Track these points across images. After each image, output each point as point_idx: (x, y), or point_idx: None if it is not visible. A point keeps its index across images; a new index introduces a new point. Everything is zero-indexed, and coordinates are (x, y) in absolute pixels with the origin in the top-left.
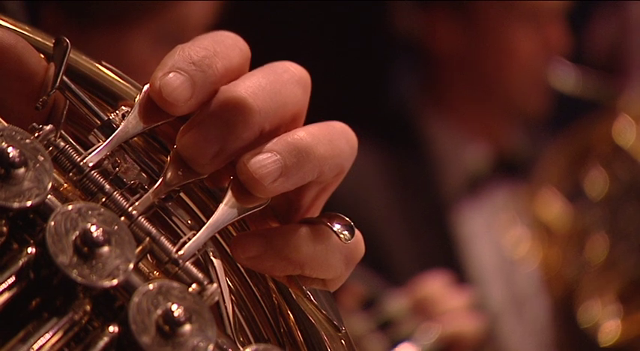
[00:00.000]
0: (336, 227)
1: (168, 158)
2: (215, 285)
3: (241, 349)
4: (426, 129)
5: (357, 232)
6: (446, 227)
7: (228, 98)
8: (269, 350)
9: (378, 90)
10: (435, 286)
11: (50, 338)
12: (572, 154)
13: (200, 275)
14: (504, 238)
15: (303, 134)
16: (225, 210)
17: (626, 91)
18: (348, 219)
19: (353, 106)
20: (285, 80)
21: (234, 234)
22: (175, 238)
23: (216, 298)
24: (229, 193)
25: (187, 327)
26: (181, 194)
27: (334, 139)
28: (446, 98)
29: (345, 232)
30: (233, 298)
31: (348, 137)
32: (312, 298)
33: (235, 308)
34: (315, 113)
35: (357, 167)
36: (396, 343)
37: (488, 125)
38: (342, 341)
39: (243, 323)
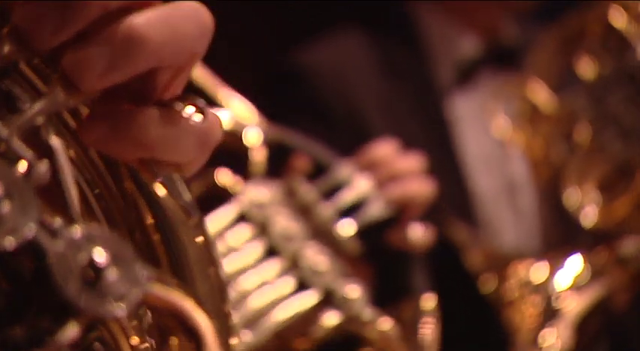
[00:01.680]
0: (188, 109)
1: (4, 30)
2: (45, 163)
3: (72, 227)
4: (417, 18)
5: (212, 114)
6: (436, 115)
7: None
8: (99, 230)
9: None
10: (384, 150)
11: None
12: (564, 39)
13: (29, 153)
14: (494, 126)
15: (137, 21)
16: (57, 94)
17: None
18: (202, 101)
19: None
20: None
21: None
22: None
23: (47, 177)
24: (61, 78)
25: (6, 205)
26: (21, 73)
27: (176, 23)
28: None
29: (198, 115)
30: (82, 183)
31: (198, 18)
32: (165, 184)
33: (89, 194)
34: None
35: (346, 54)
36: (344, 210)
37: (480, 14)
38: (195, 227)
39: (96, 209)
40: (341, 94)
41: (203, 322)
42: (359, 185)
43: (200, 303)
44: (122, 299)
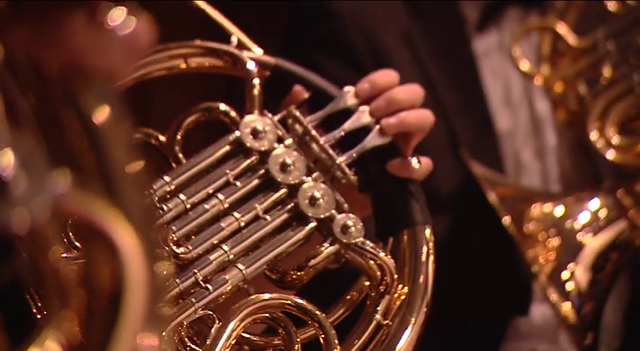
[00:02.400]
0: (113, 13)
1: None
2: None
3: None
4: None
5: (141, 21)
6: (460, 54)
7: None
8: (12, 135)
9: None
10: (384, 80)
11: None
12: None
13: None
14: (520, 65)
15: None
16: None
17: None
18: (133, 4)
19: None
20: None
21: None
22: None
23: None
24: None
25: None
26: None
27: None
28: None
29: (127, 20)
30: (11, 93)
31: None
32: (94, 92)
33: (20, 106)
34: None
35: None
36: (342, 140)
37: None
38: (123, 136)
39: (26, 120)
40: (365, 32)
41: (125, 235)
42: (357, 115)
43: (127, 220)
44: (27, 205)
